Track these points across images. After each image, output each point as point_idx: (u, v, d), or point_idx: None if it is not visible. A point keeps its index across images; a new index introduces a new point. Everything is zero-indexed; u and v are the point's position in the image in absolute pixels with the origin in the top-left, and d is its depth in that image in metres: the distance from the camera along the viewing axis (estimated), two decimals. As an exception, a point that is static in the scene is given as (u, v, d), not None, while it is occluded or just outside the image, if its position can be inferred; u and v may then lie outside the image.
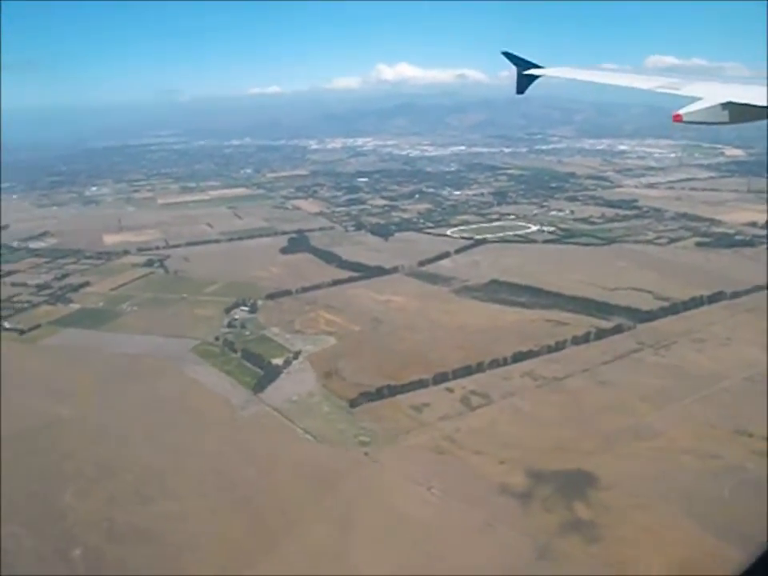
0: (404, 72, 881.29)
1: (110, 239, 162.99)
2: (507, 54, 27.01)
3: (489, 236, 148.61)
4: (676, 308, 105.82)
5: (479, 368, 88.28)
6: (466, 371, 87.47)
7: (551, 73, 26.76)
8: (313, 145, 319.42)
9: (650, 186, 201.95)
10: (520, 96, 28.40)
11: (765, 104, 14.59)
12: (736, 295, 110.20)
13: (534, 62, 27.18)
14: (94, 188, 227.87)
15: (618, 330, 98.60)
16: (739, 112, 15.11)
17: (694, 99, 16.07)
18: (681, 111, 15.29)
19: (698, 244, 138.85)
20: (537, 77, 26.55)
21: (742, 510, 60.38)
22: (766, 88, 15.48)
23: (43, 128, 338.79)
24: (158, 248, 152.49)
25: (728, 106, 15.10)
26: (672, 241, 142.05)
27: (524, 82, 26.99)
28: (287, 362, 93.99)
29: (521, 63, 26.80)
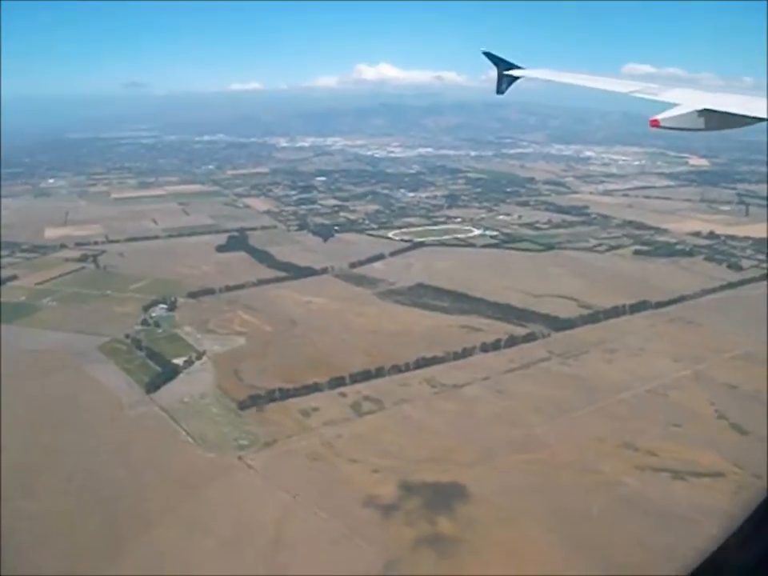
0: (385, 72, 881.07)
1: (52, 233, 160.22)
2: (488, 54, 27.24)
3: (429, 239, 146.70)
4: (597, 317, 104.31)
5: (379, 373, 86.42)
6: (365, 376, 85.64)
7: (531, 74, 26.74)
8: (282, 143, 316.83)
9: (606, 192, 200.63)
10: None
11: (740, 112, 14.91)
12: (660, 305, 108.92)
13: (514, 62, 27.16)
14: (51, 180, 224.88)
15: (530, 337, 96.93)
16: (715, 119, 15.27)
17: (670, 105, 16.18)
18: (658, 116, 15.31)
19: (636, 252, 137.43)
20: (517, 77, 26.65)
21: (605, 527, 58.95)
22: (740, 96, 16.03)
23: (11, 118, 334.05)
24: (96, 243, 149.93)
25: (704, 113, 15.24)
26: (612, 248, 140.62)
27: (504, 83, 27.08)
28: (189, 362, 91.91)
29: (501, 63, 26.83)
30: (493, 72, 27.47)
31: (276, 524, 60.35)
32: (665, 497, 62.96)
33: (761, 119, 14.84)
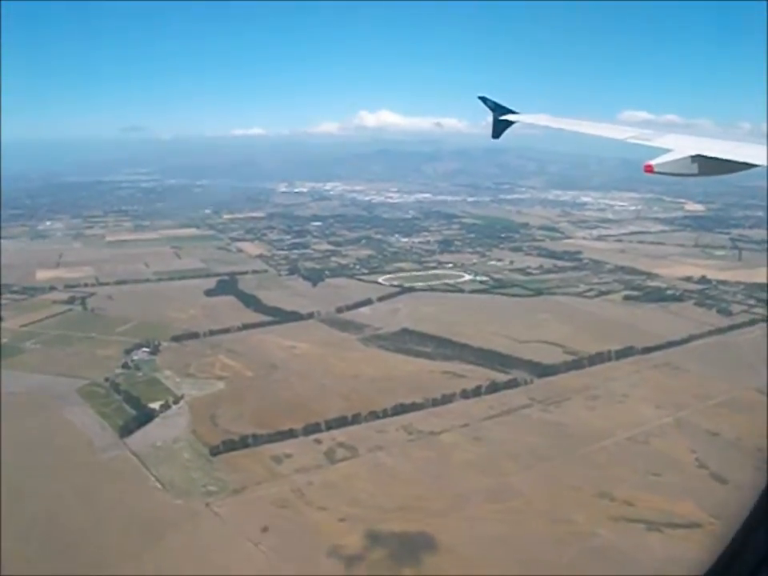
0: (385, 119, 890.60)
1: (44, 275, 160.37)
2: (483, 99, 27.38)
3: (418, 284, 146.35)
4: (581, 363, 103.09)
5: (356, 419, 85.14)
6: (342, 422, 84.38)
7: (526, 119, 26.96)
8: (281, 188, 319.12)
9: (600, 238, 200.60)
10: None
11: (732, 158, 15.08)
12: (647, 351, 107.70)
13: (510, 107, 27.35)
14: (48, 222, 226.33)
15: (512, 384, 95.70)
16: (707, 165, 15.46)
17: (664, 151, 16.37)
18: (652, 162, 15.50)
19: (626, 298, 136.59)
20: (512, 122, 26.83)
21: (574, 580, 57.19)
22: (733, 143, 16.20)
23: (15, 161, 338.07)
24: (86, 285, 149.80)
25: (697, 158, 15.45)
26: (601, 294, 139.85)
27: (500, 127, 27.22)
28: (166, 406, 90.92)
29: (497, 108, 27.05)
30: (491, 118, 27.75)
31: (234, 573, 58.90)
32: (638, 548, 61.23)
33: (753, 165, 15.00)
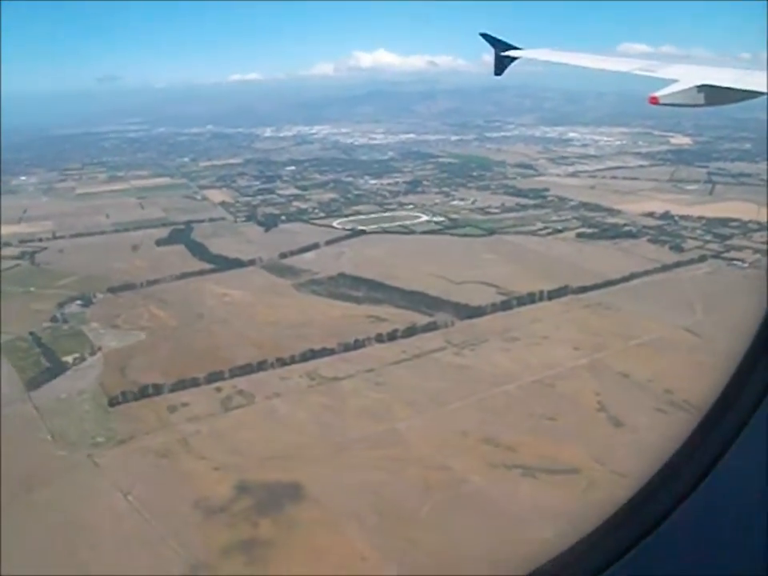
0: (381, 59, 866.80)
1: (3, 230, 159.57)
2: (485, 36, 27.00)
3: (371, 227, 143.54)
4: (510, 303, 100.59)
5: (261, 366, 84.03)
6: (247, 370, 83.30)
7: (529, 54, 26.80)
8: (267, 133, 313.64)
9: (573, 174, 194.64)
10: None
11: (739, 87, 14.94)
12: (583, 290, 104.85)
13: (512, 44, 27.02)
14: (22, 177, 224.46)
15: (431, 327, 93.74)
16: (714, 95, 15.16)
17: (669, 82, 16.16)
18: (657, 93, 15.27)
19: (579, 235, 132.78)
20: (515, 58, 26.53)
21: (427, 529, 56.18)
22: (739, 71, 15.94)
23: (3, 115, 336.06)
24: (40, 240, 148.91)
25: (703, 88, 15.16)
26: (556, 232, 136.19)
27: (502, 64, 26.95)
28: (81, 359, 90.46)
29: (499, 45, 26.75)
30: (490, 56, 27.31)
31: (95, 524, 58.70)
32: (506, 495, 59.96)
33: (761, 93, 14.81)
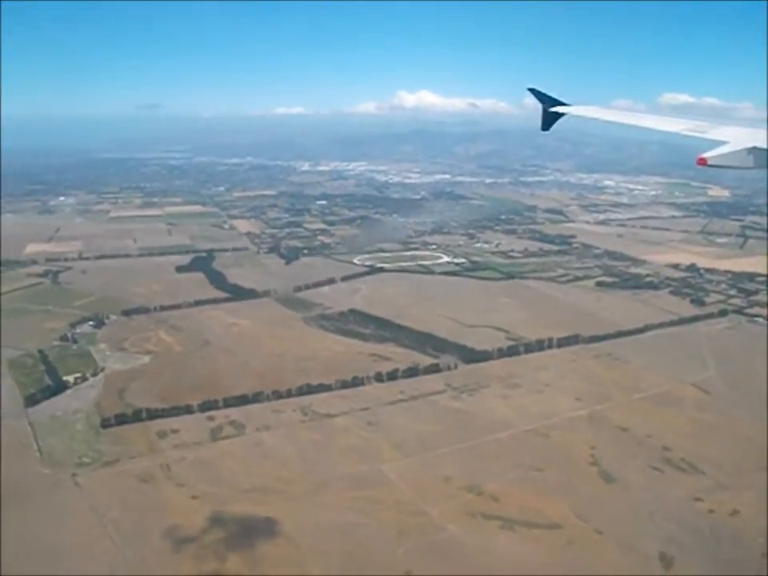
0: (425, 99, 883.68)
1: (33, 248, 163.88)
2: (533, 91, 26.99)
3: (390, 265, 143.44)
4: (518, 349, 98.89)
5: (257, 398, 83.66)
6: (242, 400, 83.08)
7: (576, 111, 26.32)
8: (305, 166, 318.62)
9: (603, 222, 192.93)
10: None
11: None
12: (594, 339, 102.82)
13: (559, 99, 27.06)
14: (61, 198, 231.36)
15: (433, 369, 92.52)
16: (765, 157, 15.12)
17: (717, 144, 15.91)
18: (706, 155, 15.03)
19: (599, 284, 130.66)
20: (562, 114, 26.44)
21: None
22: None
23: (51, 137, 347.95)
24: (66, 259, 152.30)
25: (753, 150, 15.12)
26: (576, 279, 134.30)
27: (549, 119, 26.76)
28: (83, 379, 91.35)
29: (546, 100, 26.64)
30: (532, 99, 27.26)
31: (62, 545, 58.34)
32: (479, 547, 58.01)
33: None
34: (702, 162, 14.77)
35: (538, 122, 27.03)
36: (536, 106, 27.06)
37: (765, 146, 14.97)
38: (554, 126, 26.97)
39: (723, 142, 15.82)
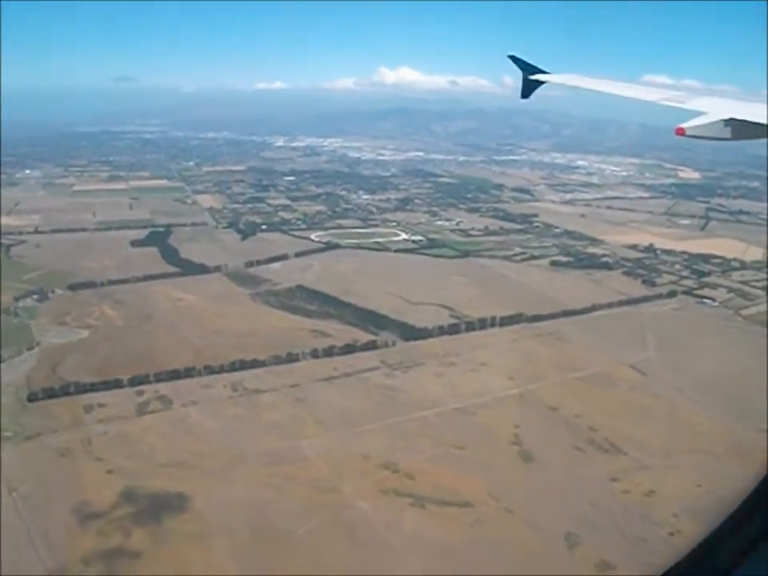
0: (405, 76, 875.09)
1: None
2: (513, 58, 26.73)
3: (346, 241, 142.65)
4: (459, 327, 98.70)
5: (188, 373, 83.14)
6: (174, 375, 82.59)
7: (557, 79, 26.38)
8: (279, 142, 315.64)
9: (569, 202, 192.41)
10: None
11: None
12: (538, 318, 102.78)
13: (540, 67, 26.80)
14: (27, 171, 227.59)
15: (371, 346, 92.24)
16: (741, 129, 15.23)
17: (696, 114, 16.04)
18: (684, 125, 15.23)
19: (553, 263, 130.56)
20: (542, 82, 26.24)
21: (294, 552, 54.57)
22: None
23: (25, 109, 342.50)
24: (20, 233, 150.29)
25: (731, 122, 15.20)
26: (531, 258, 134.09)
27: (529, 87, 26.66)
28: (18, 353, 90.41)
29: (527, 68, 26.48)
30: (512, 78, 26.79)
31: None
32: (386, 524, 58.13)
33: None
34: (681, 131, 14.98)
35: (518, 101, 27.71)
36: (516, 85, 27.02)
37: (742, 118, 15.07)
38: (534, 107, 26.39)
39: (702, 113, 15.94)
